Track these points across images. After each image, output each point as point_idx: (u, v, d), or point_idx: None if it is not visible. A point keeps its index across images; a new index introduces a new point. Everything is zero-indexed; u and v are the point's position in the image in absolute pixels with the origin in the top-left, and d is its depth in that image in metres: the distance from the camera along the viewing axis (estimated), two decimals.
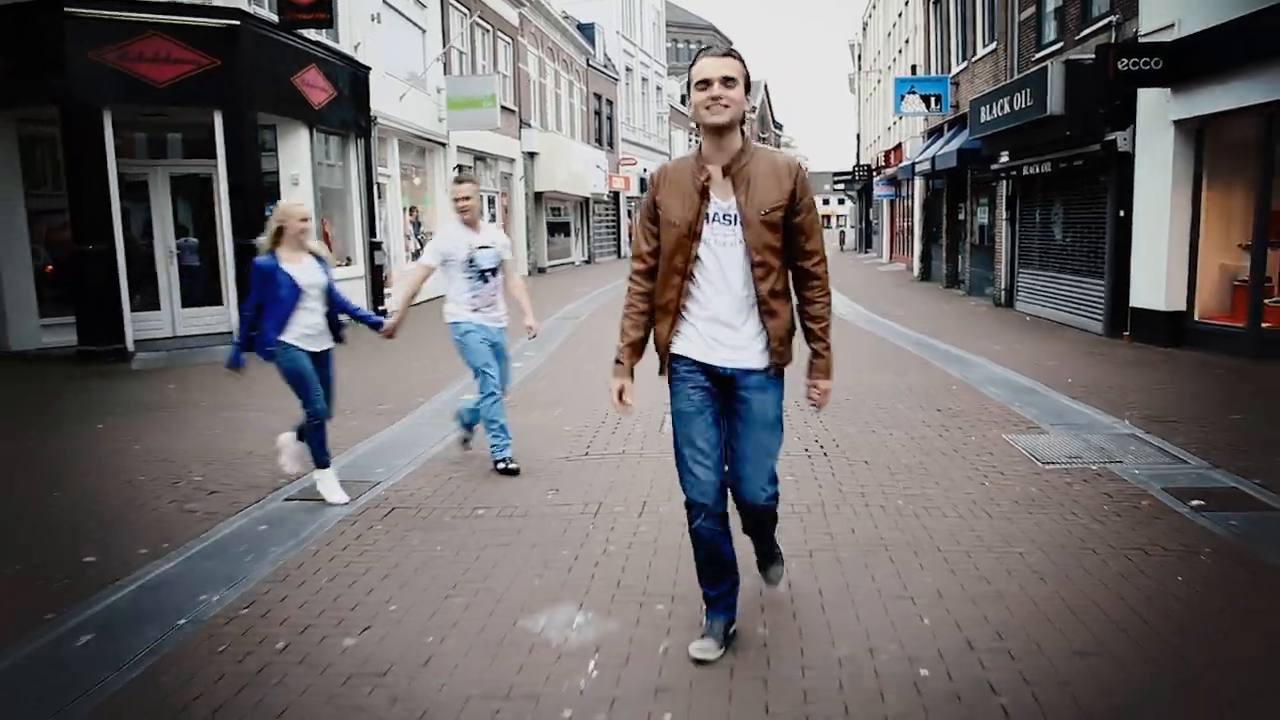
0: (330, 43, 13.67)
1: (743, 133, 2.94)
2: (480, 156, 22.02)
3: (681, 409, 3.02)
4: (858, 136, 42.93)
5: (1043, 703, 2.83)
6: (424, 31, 18.26)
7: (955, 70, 19.28)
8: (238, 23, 11.01)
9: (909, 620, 3.44)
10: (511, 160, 24.71)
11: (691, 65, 2.90)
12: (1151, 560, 3.97)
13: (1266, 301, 9.55)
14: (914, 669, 3.06)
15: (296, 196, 4.48)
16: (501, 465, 5.56)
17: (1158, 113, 10.40)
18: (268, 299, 4.86)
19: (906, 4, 25.67)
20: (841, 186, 50.65)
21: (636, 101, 41.20)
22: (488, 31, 22.57)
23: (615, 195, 37.22)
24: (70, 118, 10.38)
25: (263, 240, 4.96)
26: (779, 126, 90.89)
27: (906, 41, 26.06)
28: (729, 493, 3.04)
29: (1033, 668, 3.04)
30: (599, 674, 3.08)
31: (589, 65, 33.39)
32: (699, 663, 3.06)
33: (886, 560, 4.03)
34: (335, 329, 5.19)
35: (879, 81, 33.17)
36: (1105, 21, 11.73)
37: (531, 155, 26.01)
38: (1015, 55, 15.13)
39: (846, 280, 22.43)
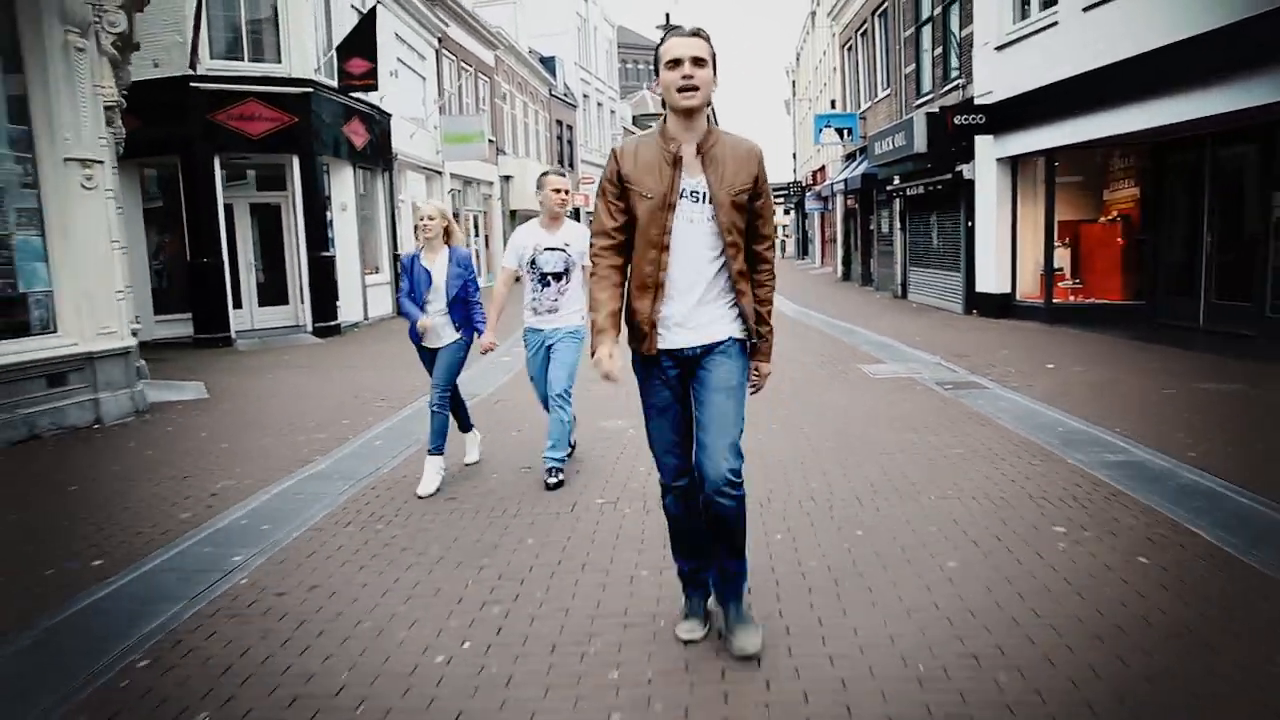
0: (365, 97, 17.30)
1: (708, 116, 2.94)
2: (468, 181, 25.70)
3: (653, 403, 3.06)
4: (794, 155, 47.30)
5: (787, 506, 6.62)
6: (424, 79, 21.90)
7: (863, 108, 23.47)
8: (310, 90, 14.62)
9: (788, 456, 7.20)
10: (491, 183, 28.39)
11: (660, 45, 2.87)
12: (906, 403, 7.85)
13: (1059, 284, 13.72)
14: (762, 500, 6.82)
15: (425, 206, 5.44)
16: (549, 475, 5.33)
17: (987, 152, 14.52)
18: (410, 285, 5.42)
19: (825, 51, 29.95)
20: (781, 200, 55.06)
21: (593, 125, 45.05)
22: (469, 72, 26.24)
23: (576, 211, 40.94)
24: (191, 163, 13.86)
25: (416, 241, 5.52)
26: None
27: (825, 83, 30.34)
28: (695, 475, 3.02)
29: (779, 466, 6.84)
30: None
31: (551, 95, 37.15)
32: (688, 643, 3.13)
33: (785, 405, 7.81)
34: (460, 325, 5.42)
35: (809, 109, 37.48)
36: (957, 83, 15.90)
37: (507, 178, 29.70)
38: (903, 100, 19.30)
39: (783, 282, 25.98)
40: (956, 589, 3.66)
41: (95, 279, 7.76)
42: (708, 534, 3.06)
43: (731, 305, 3.00)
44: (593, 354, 3.00)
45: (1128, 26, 10.87)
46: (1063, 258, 13.84)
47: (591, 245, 3.05)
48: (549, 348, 5.38)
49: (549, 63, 37.71)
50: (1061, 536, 4.26)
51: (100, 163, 7.75)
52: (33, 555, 4.43)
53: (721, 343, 2.99)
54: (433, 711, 2.86)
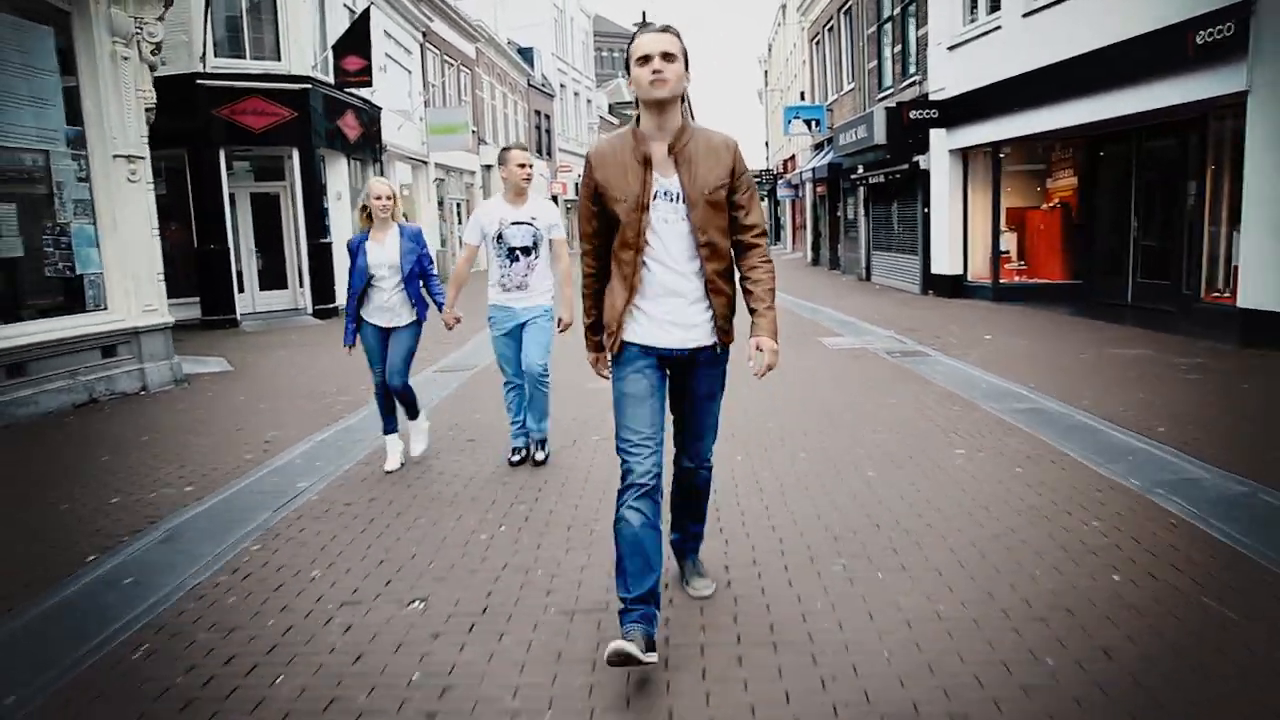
0: (357, 92, 18.19)
1: (683, 111, 2.91)
2: (450, 170, 26.60)
3: (628, 392, 2.97)
4: (766, 144, 48.41)
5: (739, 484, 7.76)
6: (410, 73, 22.79)
7: (830, 100, 24.62)
8: (309, 86, 15.53)
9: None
10: (473, 172, 29.30)
11: (631, 42, 2.86)
12: (857, 368, 8.99)
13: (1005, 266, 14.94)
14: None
15: (380, 186, 5.20)
16: (513, 454, 5.48)
17: (940, 144, 15.70)
18: (352, 274, 5.29)
19: (795, 44, 31.06)
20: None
21: (570, 114, 45.93)
22: (452, 65, 27.10)
23: (554, 198, 41.87)
24: (198, 156, 14.74)
25: (357, 218, 5.35)
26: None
27: (795, 75, 31.45)
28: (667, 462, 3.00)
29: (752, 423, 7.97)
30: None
31: (529, 85, 38.01)
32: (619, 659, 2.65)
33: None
34: (417, 303, 5.39)
35: (781, 99, 38.58)
36: (914, 79, 17.06)
37: (487, 167, 30.59)
38: (866, 94, 20.45)
39: None
40: (873, 492, 4.79)
41: (139, 262, 8.73)
42: (658, 551, 2.89)
43: (708, 308, 2.99)
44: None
45: (1062, 32, 12.05)
46: (1009, 241, 15.06)
47: (580, 249, 3.11)
48: (521, 326, 5.33)
49: (527, 54, 38.55)
50: (960, 456, 5.42)
51: (142, 158, 8.71)
52: (136, 483, 5.46)
53: (707, 349, 3.02)
54: (486, 569, 3.94)
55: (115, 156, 8.42)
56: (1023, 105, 13.10)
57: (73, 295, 8.32)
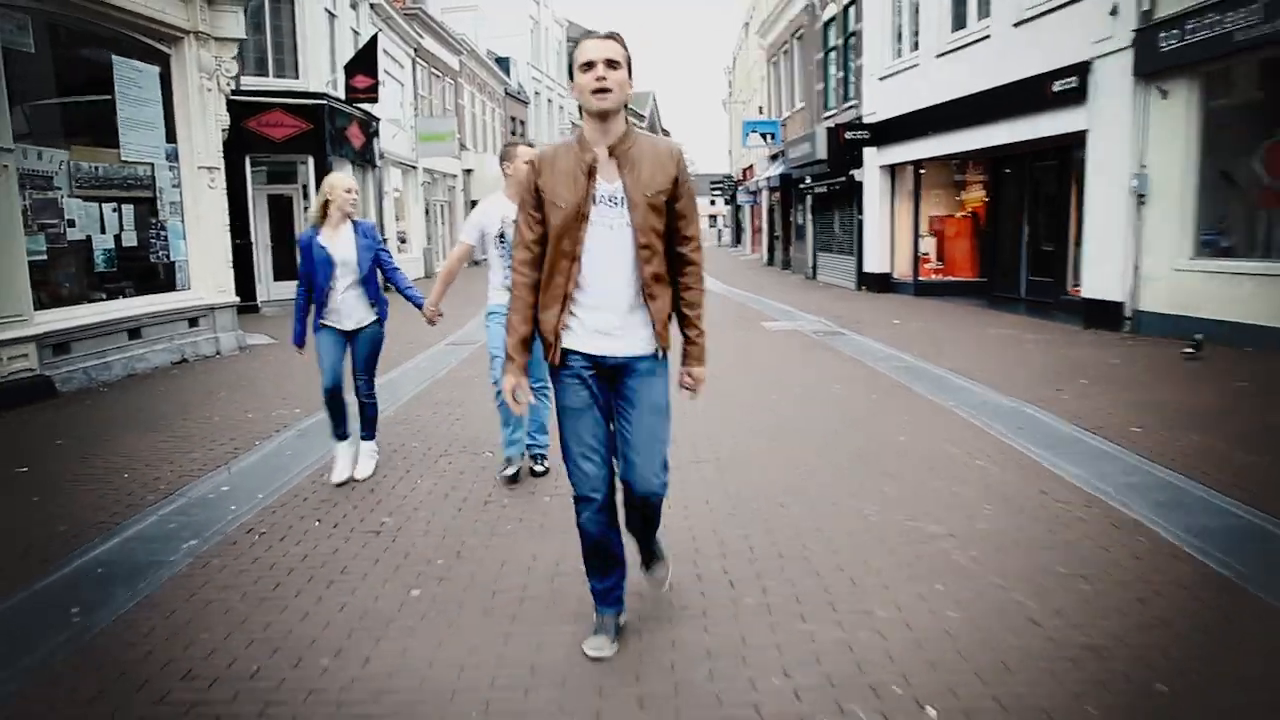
0: (362, 105, 20.38)
1: (625, 118, 2.89)
2: (435, 175, 28.78)
3: (568, 405, 2.94)
4: (730, 151, 51.00)
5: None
6: (402, 85, 24.96)
7: (784, 115, 27.14)
8: (324, 101, 17.71)
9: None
10: (455, 176, 31.48)
11: (574, 49, 2.81)
12: (787, 344, 11.43)
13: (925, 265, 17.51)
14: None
15: (347, 179, 5.12)
16: (509, 467, 5.21)
17: (872, 160, 18.23)
18: (309, 273, 5.00)
19: (756, 61, 33.62)
20: (719, 192, 58.87)
21: (544, 120, 48.14)
22: (438, 76, 29.28)
23: None
24: (228, 162, 16.81)
25: (311, 212, 5.06)
26: (666, 134, 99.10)
27: (755, 89, 34.01)
28: (619, 485, 2.99)
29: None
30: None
31: (506, 93, 40.21)
32: (595, 660, 3.01)
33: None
34: (377, 301, 5.16)
35: (744, 109, 41.17)
36: (852, 103, 19.59)
37: (468, 171, 32.79)
38: (814, 113, 22.98)
39: (716, 266, 30.17)
40: (772, 410, 7.19)
41: (215, 252, 10.92)
42: (620, 545, 3.10)
43: (647, 317, 2.92)
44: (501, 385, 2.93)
45: (964, 73, 14.58)
46: (928, 245, 17.63)
47: (513, 257, 2.99)
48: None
49: (504, 63, 40.70)
50: (837, 389, 7.87)
51: (218, 169, 10.90)
52: (256, 407, 7.70)
53: (645, 357, 2.93)
54: (540, 495, 6.25)
55: (199, 168, 10.62)
56: (936, 130, 15.62)
57: (169, 277, 10.49)
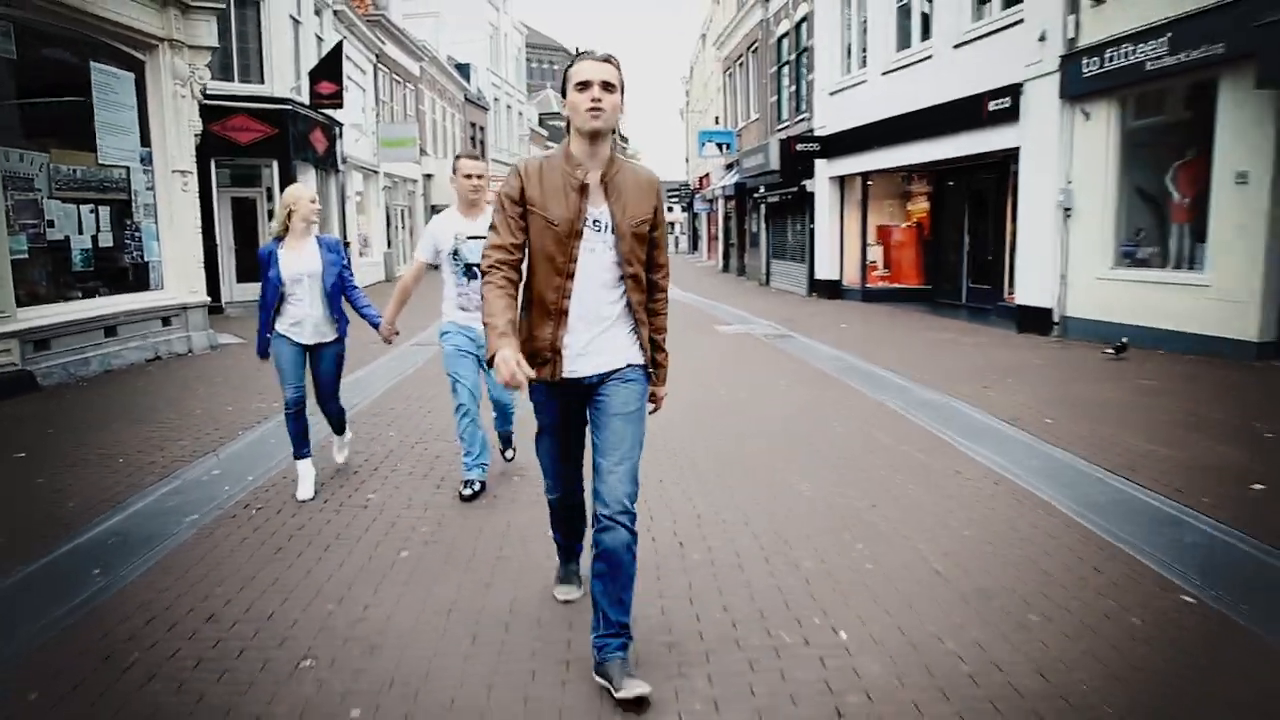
0: (325, 111, 20.68)
1: (612, 143, 2.92)
2: (397, 179, 29.07)
3: (544, 421, 3.09)
4: (686, 159, 51.76)
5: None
6: (365, 90, 25.25)
7: (740, 126, 27.89)
8: (289, 106, 18.00)
9: None
10: (415, 181, 31.78)
11: (570, 66, 2.84)
12: (738, 345, 12.04)
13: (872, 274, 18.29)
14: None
15: (309, 191, 5.08)
16: (465, 487, 4.97)
17: (823, 172, 18.98)
18: (268, 285, 4.90)
19: (712, 72, 34.39)
20: (675, 199, 59.64)
21: (503, 126, 48.52)
22: (399, 82, 29.58)
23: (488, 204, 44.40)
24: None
25: (274, 225, 4.98)
26: (625, 139, 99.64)
27: (712, 99, 34.78)
28: (590, 498, 3.01)
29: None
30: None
31: (466, 99, 40.54)
32: (565, 602, 3.51)
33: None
34: (338, 318, 5.10)
35: (700, 118, 41.95)
36: (804, 116, 20.35)
37: (428, 176, 33.09)
38: (768, 124, 23.72)
39: (675, 274, 29.70)
40: (728, 406, 7.77)
41: (187, 253, 11.26)
42: (583, 518, 3.39)
43: (631, 332, 2.97)
44: (489, 361, 2.78)
45: (908, 90, 15.35)
46: (876, 253, 18.41)
47: (486, 256, 2.90)
48: (481, 348, 4.84)
49: (464, 69, 41.03)
50: (782, 385, 8.48)
51: (191, 173, 11.24)
52: (235, 401, 8.10)
53: (619, 370, 2.96)
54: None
55: (173, 171, 10.95)
56: (883, 144, 16.39)
57: (143, 277, 10.80)
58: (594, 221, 2.88)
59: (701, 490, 5.09)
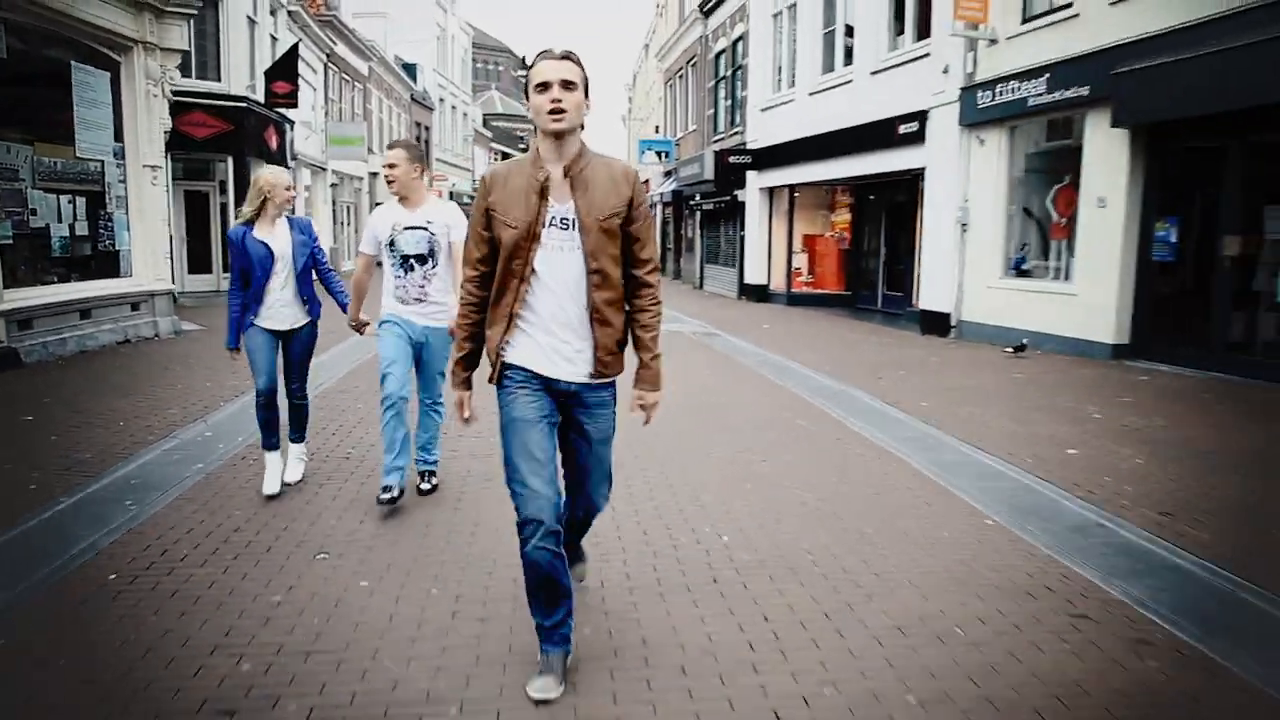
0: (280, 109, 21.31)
1: (580, 138, 2.84)
2: (345, 176, 29.66)
3: (517, 417, 2.84)
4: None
5: None
6: (315, 90, 25.86)
7: (679, 135, 29.12)
8: (245, 104, 18.65)
9: None
10: (361, 179, 32.37)
11: (530, 67, 2.79)
12: (669, 342, 13.14)
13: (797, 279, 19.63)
14: None
15: (284, 176, 5.01)
16: (384, 492, 4.66)
17: (753, 183, 20.27)
18: (245, 270, 4.81)
19: (654, 82, 35.62)
20: None
21: (448, 127, 49.12)
22: (348, 82, 30.16)
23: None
24: None
25: (246, 210, 4.84)
26: None
27: (654, 108, 36.00)
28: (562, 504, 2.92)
29: None
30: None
31: (412, 99, 41.12)
32: (539, 703, 2.83)
33: None
34: (309, 301, 5.02)
35: (642, 125, 43.14)
36: (738, 130, 21.62)
37: (374, 174, 33.65)
38: (704, 136, 24.97)
39: None
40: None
41: (155, 243, 11.99)
42: (567, 574, 2.91)
43: (598, 335, 2.87)
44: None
45: (831, 111, 16.69)
46: (801, 260, 19.75)
47: (464, 278, 2.99)
48: (417, 345, 4.85)
49: (410, 69, 41.59)
50: (706, 374, 9.62)
51: (160, 167, 11.98)
52: (208, 378, 8.94)
53: (596, 386, 2.94)
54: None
55: (144, 166, 11.69)
56: (808, 159, 17.71)
57: (115, 264, 11.51)
58: (560, 220, 2.81)
59: (629, 451, 6.17)
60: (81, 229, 10.82)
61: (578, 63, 2.79)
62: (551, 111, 2.72)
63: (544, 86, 2.73)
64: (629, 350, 3.05)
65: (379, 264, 4.99)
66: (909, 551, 4.27)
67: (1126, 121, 9.71)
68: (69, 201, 10.56)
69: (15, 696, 2.89)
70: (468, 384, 3.05)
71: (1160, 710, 2.91)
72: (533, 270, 2.82)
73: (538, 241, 2.80)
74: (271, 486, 5.01)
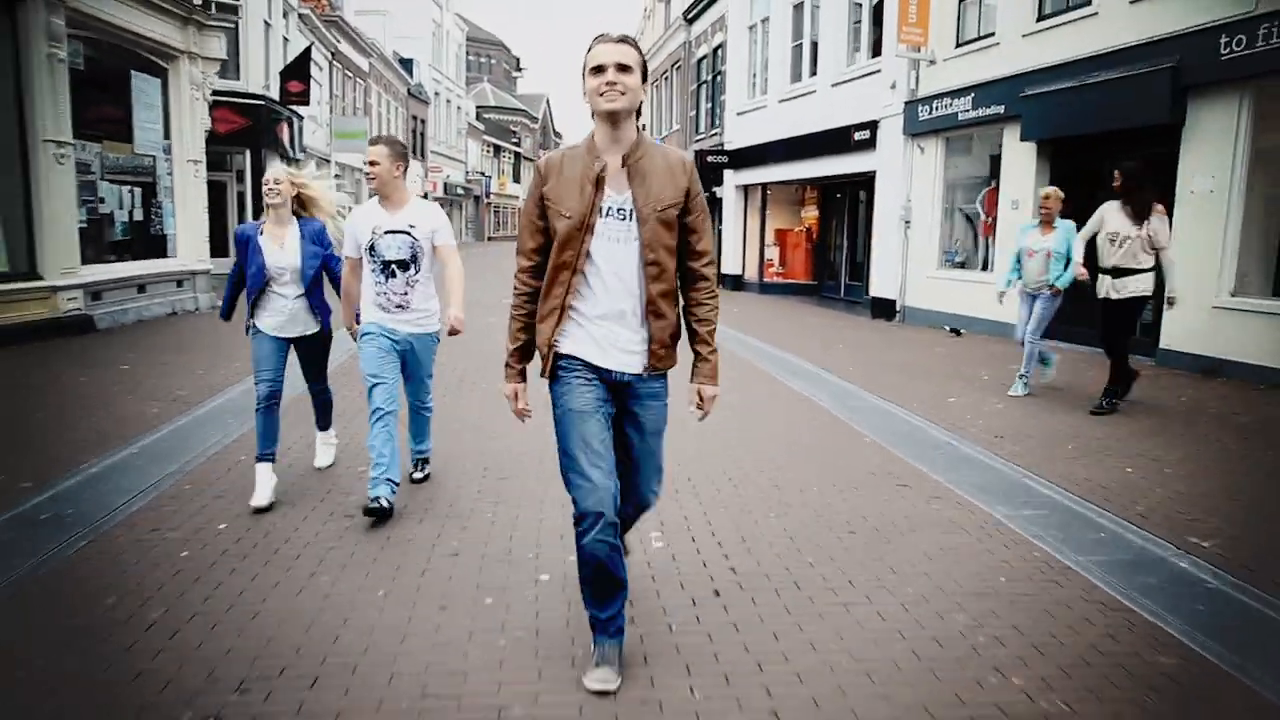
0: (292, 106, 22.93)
1: (637, 126, 2.82)
2: (347, 169, 31.27)
3: (574, 407, 2.80)
4: None
5: None
6: (320, 86, 27.44)
7: (663, 136, 30.80)
8: (262, 102, 20.27)
9: None
10: (364, 170, 33.90)
11: (588, 51, 2.73)
12: None
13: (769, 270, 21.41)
14: None
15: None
16: (372, 503, 4.34)
17: (730, 181, 22.02)
18: (250, 269, 4.68)
19: None
20: None
21: (442, 120, 50.67)
22: (350, 77, 31.73)
23: (425, 194, 46.58)
24: None
25: (278, 203, 4.72)
26: (559, 135, 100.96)
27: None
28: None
29: None
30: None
31: (409, 93, 42.66)
32: (599, 694, 2.81)
33: None
34: (319, 309, 4.86)
35: None
36: (717, 131, 23.37)
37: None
38: (686, 136, 26.67)
39: None
40: None
41: (196, 227, 13.66)
42: (624, 565, 2.86)
43: (649, 332, 2.84)
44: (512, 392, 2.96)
45: (798, 117, 18.44)
46: (773, 252, 21.53)
47: (516, 270, 2.92)
48: (402, 353, 4.67)
49: (407, 64, 43.09)
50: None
51: (201, 161, 13.64)
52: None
53: (649, 379, 2.91)
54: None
55: (187, 160, 13.35)
56: (778, 160, 19.45)
57: (164, 246, 13.19)
58: (617, 210, 2.78)
59: None
60: (138, 215, 12.49)
61: (635, 46, 2.75)
62: (604, 94, 2.68)
63: (599, 70, 2.69)
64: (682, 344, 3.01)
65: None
66: (835, 482, 6.04)
67: (1031, 137, 11.50)
68: (129, 192, 12.23)
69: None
70: (522, 376, 2.97)
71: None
72: (588, 259, 2.78)
73: (591, 233, 2.77)
74: (261, 499, 4.62)
